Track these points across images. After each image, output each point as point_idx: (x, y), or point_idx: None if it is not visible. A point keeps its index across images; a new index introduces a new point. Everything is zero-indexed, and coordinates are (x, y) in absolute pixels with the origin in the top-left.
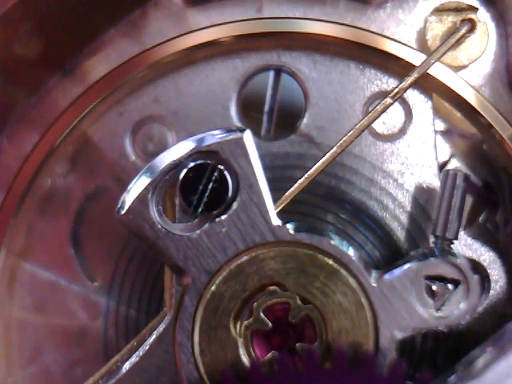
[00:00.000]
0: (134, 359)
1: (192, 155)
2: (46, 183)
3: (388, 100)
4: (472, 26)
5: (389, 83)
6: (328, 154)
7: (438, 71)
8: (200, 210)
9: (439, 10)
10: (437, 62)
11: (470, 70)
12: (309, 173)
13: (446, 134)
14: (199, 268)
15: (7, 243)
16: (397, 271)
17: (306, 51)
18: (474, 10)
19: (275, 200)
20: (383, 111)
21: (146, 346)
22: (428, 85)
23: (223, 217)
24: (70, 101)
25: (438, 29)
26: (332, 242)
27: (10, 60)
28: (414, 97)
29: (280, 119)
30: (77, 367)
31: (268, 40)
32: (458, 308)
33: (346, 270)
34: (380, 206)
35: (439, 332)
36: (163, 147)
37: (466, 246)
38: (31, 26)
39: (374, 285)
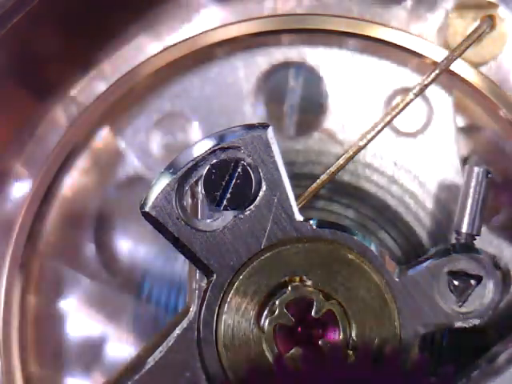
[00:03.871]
0: (157, 354)
1: (215, 151)
2: (69, 179)
3: (410, 96)
4: (493, 22)
5: (410, 80)
6: (349, 151)
7: (459, 67)
8: (223, 206)
9: (460, 7)
10: (458, 58)
11: (490, 66)
12: (330, 169)
13: (468, 130)
14: (222, 264)
15: (29, 238)
16: (420, 267)
17: (327, 48)
18: (495, 6)
19: (296, 196)
20: (405, 108)
21: (169, 342)
22: (449, 81)
23: (246, 213)
24: (93, 98)
25: (458, 25)
26: (355, 237)
27: (31, 57)
28: (435, 93)
29: (301, 116)
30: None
31: (289, 36)
32: (481, 304)
33: (369, 266)
34: (401, 203)
35: (462, 328)
36: (186, 144)
37: (487, 242)
38: (53, 23)
39: (397, 280)
